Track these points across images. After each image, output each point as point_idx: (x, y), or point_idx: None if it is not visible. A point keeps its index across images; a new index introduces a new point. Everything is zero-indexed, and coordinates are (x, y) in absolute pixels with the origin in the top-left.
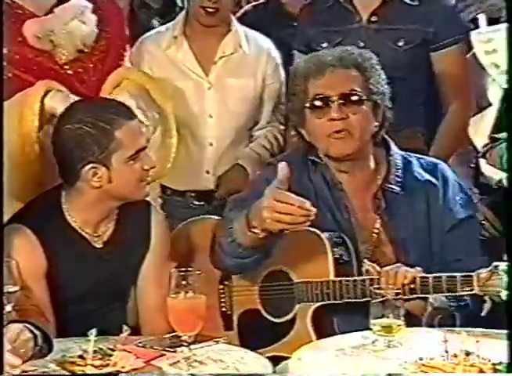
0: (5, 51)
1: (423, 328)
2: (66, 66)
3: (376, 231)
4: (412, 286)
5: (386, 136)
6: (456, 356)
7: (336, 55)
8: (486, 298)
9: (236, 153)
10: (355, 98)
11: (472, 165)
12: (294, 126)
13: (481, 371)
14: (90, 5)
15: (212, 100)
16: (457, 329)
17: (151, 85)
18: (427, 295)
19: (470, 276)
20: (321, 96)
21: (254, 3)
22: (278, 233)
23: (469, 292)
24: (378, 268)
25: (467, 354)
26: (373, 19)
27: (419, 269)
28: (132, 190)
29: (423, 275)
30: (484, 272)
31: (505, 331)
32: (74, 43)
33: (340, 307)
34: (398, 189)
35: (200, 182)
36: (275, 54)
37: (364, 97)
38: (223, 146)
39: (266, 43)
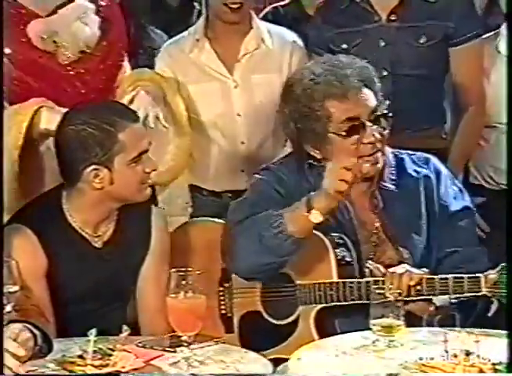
0: (8, 51)
1: (423, 328)
2: (68, 68)
3: (375, 231)
4: (418, 288)
5: None
6: (456, 356)
7: (355, 74)
8: (494, 299)
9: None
10: (379, 116)
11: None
12: (309, 144)
13: (481, 371)
14: (93, 7)
15: (239, 99)
16: (457, 329)
17: (165, 85)
18: (432, 297)
19: (478, 277)
20: (351, 123)
21: (274, 4)
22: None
23: (476, 294)
24: (383, 269)
25: (467, 354)
26: (393, 17)
27: (425, 270)
28: (133, 192)
29: (430, 276)
30: (492, 274)
31: (505, 331)
32: (77, 44)
33: (343, 309)
34: (393, 187)
35: (236, 182)
36: (301, 46)
37: (387, 113)
38: (255, 144)
39: (290, 36)
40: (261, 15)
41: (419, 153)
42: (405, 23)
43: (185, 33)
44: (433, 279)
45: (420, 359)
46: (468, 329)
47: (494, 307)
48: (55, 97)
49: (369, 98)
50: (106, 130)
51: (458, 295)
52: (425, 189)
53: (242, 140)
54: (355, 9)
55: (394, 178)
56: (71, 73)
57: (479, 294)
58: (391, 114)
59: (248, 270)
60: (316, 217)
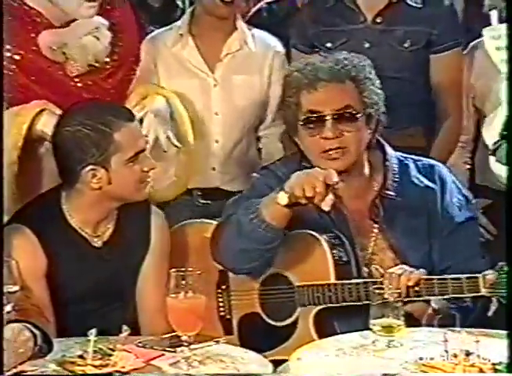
0: (18, 57)
1: (423, 328)
2: (76, 79)
3: (373, 239)
4: (416, 288)
5: (381, 139)
6: (456, 356)
7: (329, 67)
8: (493, 299)
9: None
10: (348, 115)
11: (468, 166)
12: (289, 134)
13: (481, 371)
14: (106, 23)
15: (218, 97)
16: (457, 329)
17: (172, 99)
18: (431, 298)
19: (476, 277)
20: (314, 114)
21: (268, 0)
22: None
23: (475, 294)
24: (381, 270)
25: (467, 354)
26: (378, 20)
27: (423, 270)
28: (132, 192)
29: (428, 277)
30: (490, 274)
31: (505, 331)
32: (86, 58)
33: (342, 310)
34: (396, 195)
35: (207, 180)
36: (282, 52)
37: (359, 113)
38: (229, 143)
39: (272, 41)
40: (254, 10)
41: (425, 160)
42: (391, 26)
43: (167, 27)
44: (431, 279)
45: (420, 359)
46: (468, 329)
47: (493, 307)
48: (60, 106)
49: (338, 94)
50: (101, 130)
51: (457, 296)
52: (427, 201)
53: (216, 138)
54: (341, 8)
55: (397, 186)
56: (79, 84)
57: (478, 294)
58: (359, 114)
59: (230, 258)
60: (282, 197)
